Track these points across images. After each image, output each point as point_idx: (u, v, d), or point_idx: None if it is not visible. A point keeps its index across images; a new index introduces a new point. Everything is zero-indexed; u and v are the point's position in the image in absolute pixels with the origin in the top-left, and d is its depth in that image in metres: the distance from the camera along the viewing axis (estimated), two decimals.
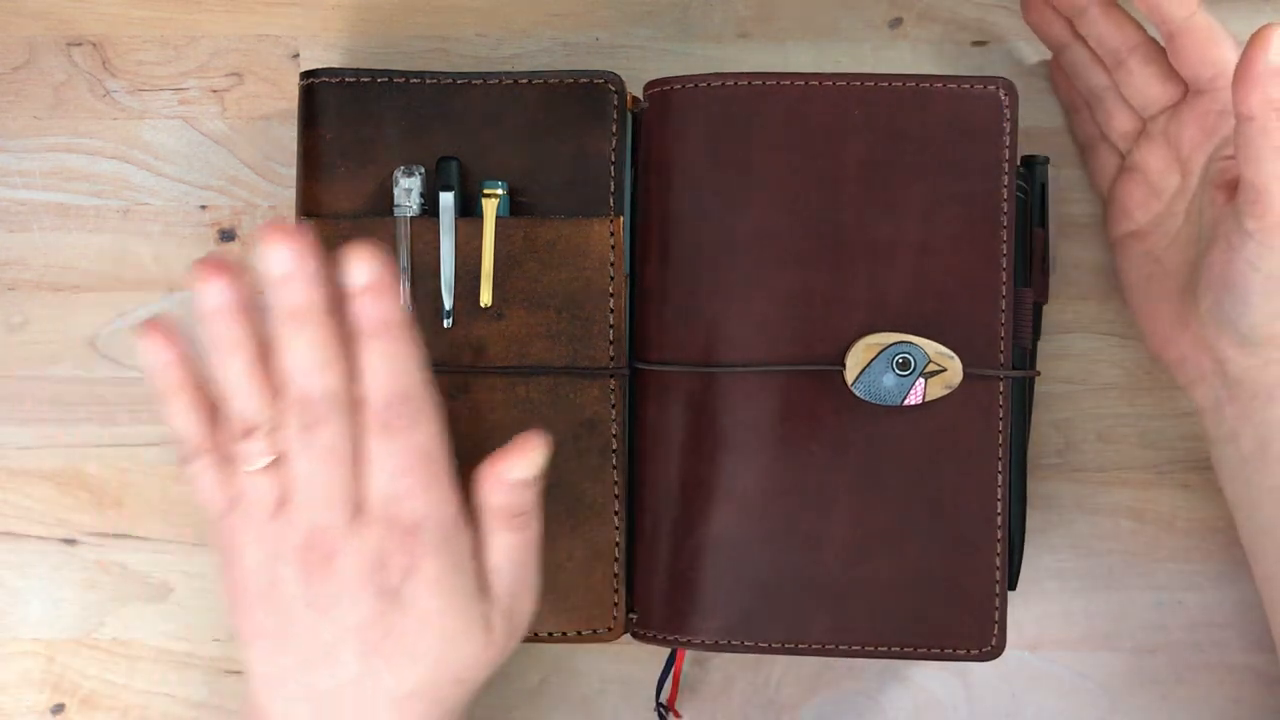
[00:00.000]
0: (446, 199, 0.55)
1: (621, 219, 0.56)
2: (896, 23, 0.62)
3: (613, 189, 0.56)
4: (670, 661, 0.58)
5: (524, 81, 0.56)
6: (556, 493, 0.56)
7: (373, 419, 0.48)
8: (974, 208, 0.54)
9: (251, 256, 0.47)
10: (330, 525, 0.48)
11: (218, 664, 0.61)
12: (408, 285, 0.56)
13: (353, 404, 0.48)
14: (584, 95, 0.56)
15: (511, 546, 0.51)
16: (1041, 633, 0.60)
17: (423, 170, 0.56)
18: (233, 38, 0.62)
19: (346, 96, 0.57)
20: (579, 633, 0.57)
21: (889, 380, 0.54)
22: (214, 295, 0.47)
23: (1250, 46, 0.48)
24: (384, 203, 0.56)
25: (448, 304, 0.56)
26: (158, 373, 0.49)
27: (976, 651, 0.55)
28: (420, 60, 0.62)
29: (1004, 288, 0.55)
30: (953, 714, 0.60)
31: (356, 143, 0.56)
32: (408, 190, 0.56)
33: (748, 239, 0.55)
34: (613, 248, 0.56)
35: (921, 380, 0.54)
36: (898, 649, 0.55)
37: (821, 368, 0.54)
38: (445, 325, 0.56)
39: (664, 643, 0.56)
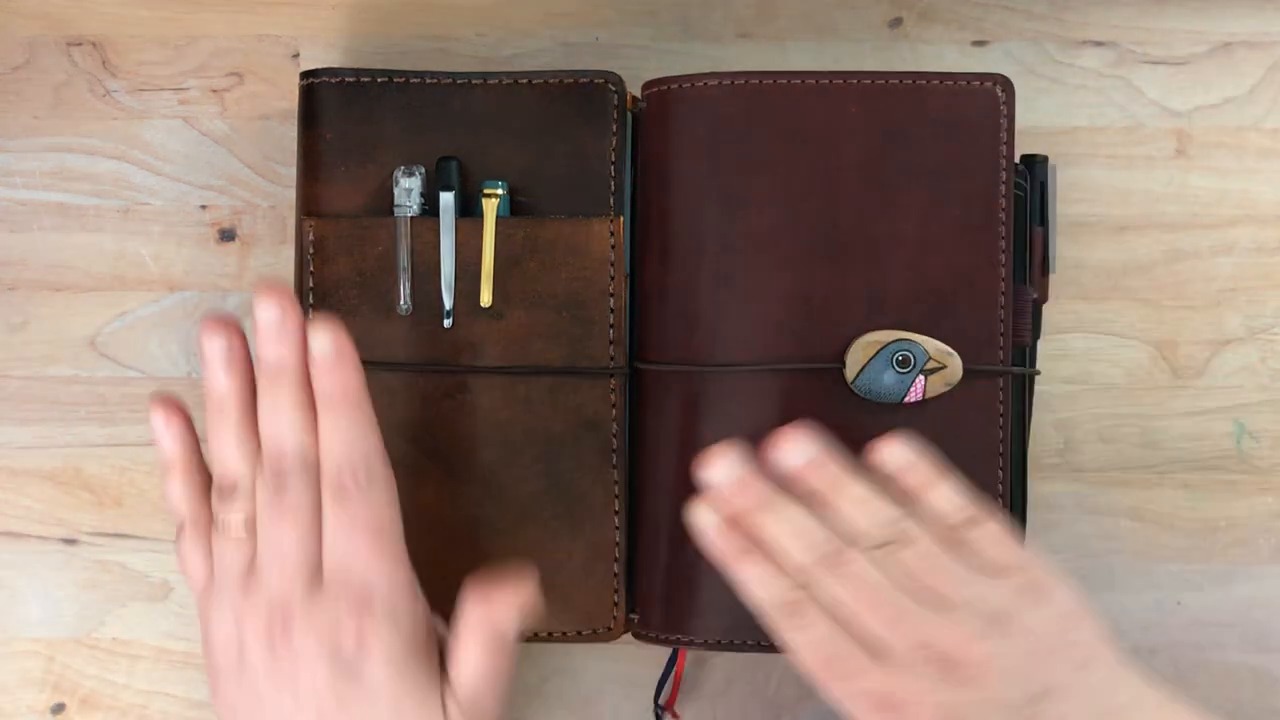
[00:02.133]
0: (446, 199, 0.55)
1: (622, 219, 0.56)
2: (896, 23, 0.62)
3: (613, 189, 0.56)
4: (671, 662, 0.58)
5: (524, 81, 0.57)
6: (556, 493, 0.56)
7: (326, 485, 0.49)
8: (972, 205, 0.54)
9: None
10: (290, 594, 0.49)
11: None
12: (408, 285, 0.56)
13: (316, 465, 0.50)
14: (584, 95, 0.56)
15: (481, 660, 0.51)
16: None
17: (423, 170, 0.56)
18: (233, 38, 0.62)
19: (346, 96, 0.57)
20: (579, 633, 0.57)
21: (889, 378, 0.54)
22: (214, 347, 0.50)
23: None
24: (384, 203, 0.56)
25: (448, 304, 0.56)
26: (163, 444, 0.51)
27: None
28: (420, 60, 0.62)
29: (1003, 284, 0.55)
30: None
31: (357, 143, 0.56)
32: (408, 190, 0.56)
33: (747, 238, 0.55)
34: (613, 248, 0.56)
35: (921, 378, 0.54)
36: None
37: (821, 366, 0.54)
38: (445, 325, 0.56)
39: (664, 643, 0.56)
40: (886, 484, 0.50)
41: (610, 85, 0.56)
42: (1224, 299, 0.61)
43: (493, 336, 0.56)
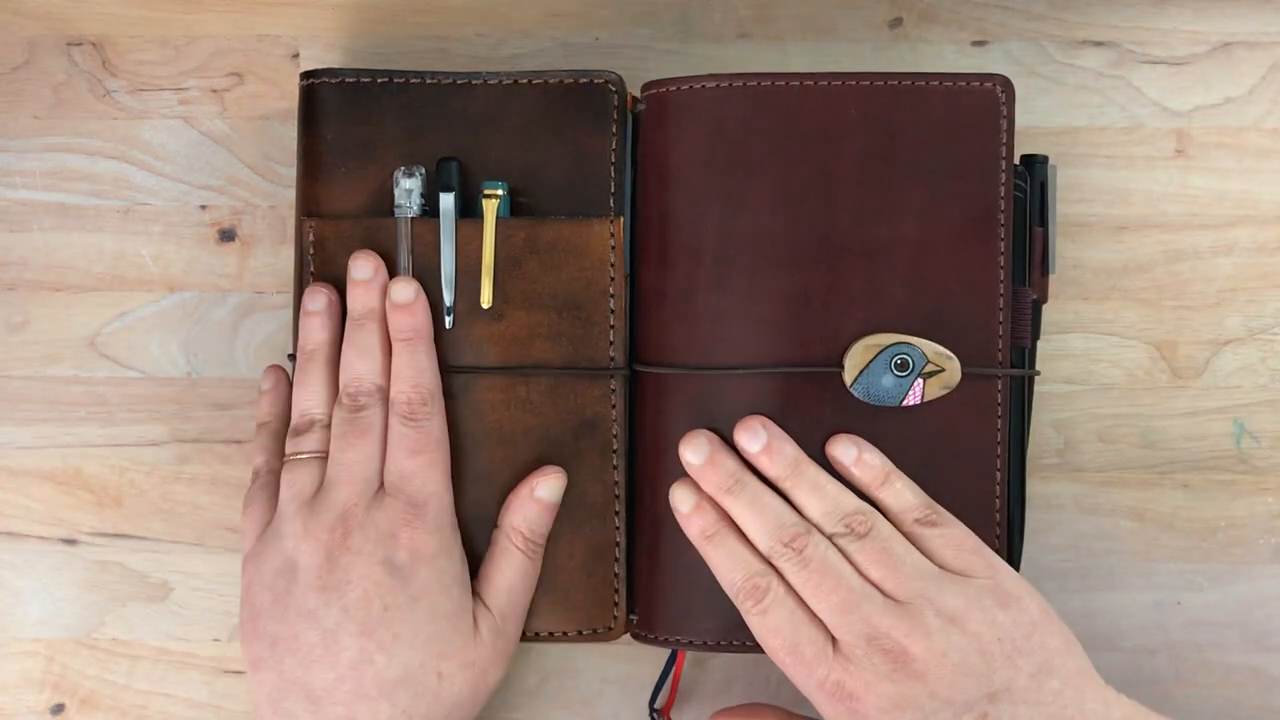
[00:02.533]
0: (447, 200, 0.55)
1: (622, 219, 0.56)
2: (896, 23, 0.62)
3: (613, 189, 0.56)
4: (670, 663, 0.58)
5: (524, 81, 0.56)
6: None
7: (395, 409, 0.54)
8: (971, 206, 0.54)
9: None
10: (355, 503, 0.53)
11: (217, 664, 0.61)
12: None
13: (386, 400, 0.55)
14: (584, 95, 0.56)
15: (516, 569, 0.55)
16: None
17: (423, 171, 0.56)
18: (233, 38, 0.62)
19: (346, 97, 0.57)
20: (579, 632, 0.57)
21: (887, 381, 0.54)
22: (318, 302, 0.55)
23: None
24: (384, 203, 0.56)
25: (448, 304, 0.56)
26: (262, 404, 0.57)
27: None
28: (420, 60, 0.62)
29: (1002, 286, 0.55)
30: None
31: (357, 143, 0.56)
32: (408, 191, 0.56)
33: (745, 240, 0.55)
34: (613, 248, 0.56)
35: (920, 381, 0.54)
36: None
37: (820, 369, 0.54)
38: (446, 325, 0.56)
39: (664, 643, 0.56)
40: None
41: (610, 85, 0.56)
42: (1224, 299, 0.61)
43: (493, 337, 0.56)
